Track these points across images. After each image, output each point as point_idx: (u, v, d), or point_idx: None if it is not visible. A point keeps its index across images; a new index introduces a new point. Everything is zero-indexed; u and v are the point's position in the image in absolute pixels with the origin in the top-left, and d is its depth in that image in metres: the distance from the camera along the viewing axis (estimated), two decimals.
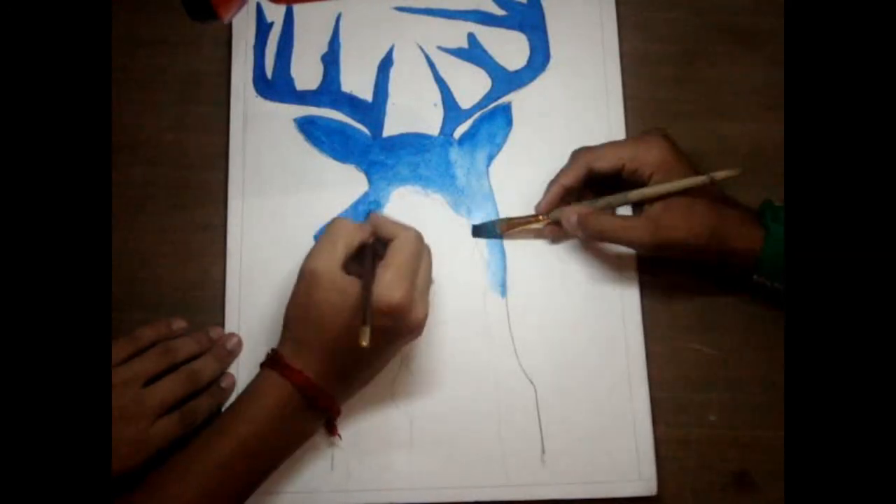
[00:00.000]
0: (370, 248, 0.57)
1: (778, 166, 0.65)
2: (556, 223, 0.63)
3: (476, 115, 0.68)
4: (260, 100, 0.68)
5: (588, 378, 0.62)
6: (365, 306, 0.52)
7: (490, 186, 0.66)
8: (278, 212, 0.65)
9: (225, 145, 0.67)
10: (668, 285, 0.64)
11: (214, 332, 0.62)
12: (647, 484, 0.60)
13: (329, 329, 0.54)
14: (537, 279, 0.64)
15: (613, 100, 0.67)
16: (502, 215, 0.65)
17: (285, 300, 0.63)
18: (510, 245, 0.65)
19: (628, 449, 0.61)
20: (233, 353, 0.62)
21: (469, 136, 0.67)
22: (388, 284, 0.53)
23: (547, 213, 0.63)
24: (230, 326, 0.63)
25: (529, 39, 0.69)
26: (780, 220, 0.58)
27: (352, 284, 0.54)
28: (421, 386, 0.62)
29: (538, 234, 0.65)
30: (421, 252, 0.56)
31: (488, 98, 0.68)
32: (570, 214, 0.61)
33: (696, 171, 0.60)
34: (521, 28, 0.69)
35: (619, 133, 0.67)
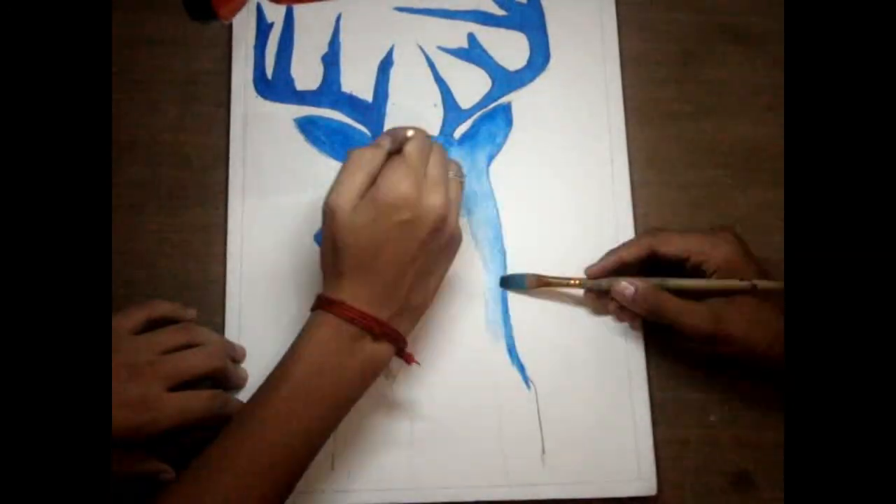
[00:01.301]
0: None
1: (778, 166, 0.66)
2: (594, 291, 0.62)
3: (476, 115, 0.68)
4: (260, 100, 0.68)
5: (588, 378, 0.62)
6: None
7: (490, 186, 0.66)
8: (278, 212, 0.65)
9: (225, 145, 0.67)
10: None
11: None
12: (647, 484, 0.60)
13: (360, 251, 0.54)
14: None
15: (613, 100, 0.67)
16: (503, 216, 0.65)
17: (286, 300, 0.63)
18: (510, 245, 0.65)
19: (628, 449, 0.61)
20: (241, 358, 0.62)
21: (469, 136, 0.67)
22: (394, 179, 0.53)
23: (594, 278, 0.62)
24: (230, 326, 0.63)
25: (529, 39, 0.69)
26: None
27: (369, 197, 0.54)
28: (421, 386, 0.62)
29: (568, 299, 0.64)
30: (426, 147, 0.55)
31: (488, 98, 0.68)
32: (627, 286, 0.59)
33: (765, 274, 0.58)
34: (521, 28, 0.69)
35: (619, 133, 0.67)
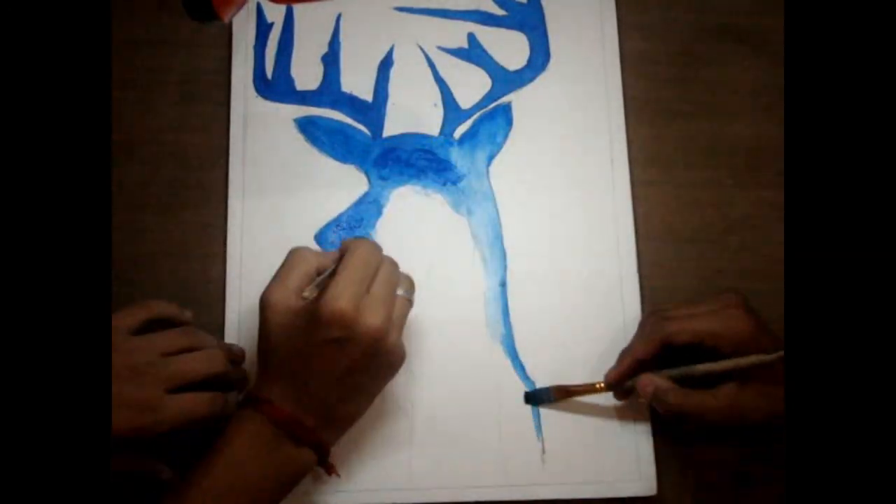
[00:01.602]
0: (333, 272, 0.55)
1: (778, 166, 0.66)
2: (619, 391, 0.60)
3: (476, 115, 0.68)
4: (260, 100, 0.68)
5: (588, 378, 0.62)
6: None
7: (490, 186, 0.66)
8: (278, 212, 0.65)
9: (225, 145, 0.67)
10: (668, 286, 0.64)
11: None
12: (647, 484, 0.60)
13: (291, 355, 0.53)
14: (538, 278, 0.64)
15: (613, 100, 0.67)
16: (503, 216, 0.65)
17: None
18: (511, 245, 0.65)
19: (628, 449, 0.61)
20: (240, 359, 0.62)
21: (469, 136, 0.67)
22: (333, 293, 0.51)
23: (615, 382, 0.60)
24: (230, 326, 0.63)
25: (529, 39, 0.69)
26: None
27: (303, 306, 0.53)
28: (421, 386, 0.62)
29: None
30: (373, 261, 0.54)
31: (488, 98, 0.68)
32: (647, 385, 0.58)
33: (780, 341, 0.56)
34: (521, 28, 0.69)
35: (619, 132, 0.67)
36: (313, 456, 0.55)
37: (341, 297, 0.51)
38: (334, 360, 0.53)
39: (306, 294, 0.54)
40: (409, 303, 0.56)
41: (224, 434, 0.54)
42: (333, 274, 0.53)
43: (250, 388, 0.56)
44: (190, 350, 0.58)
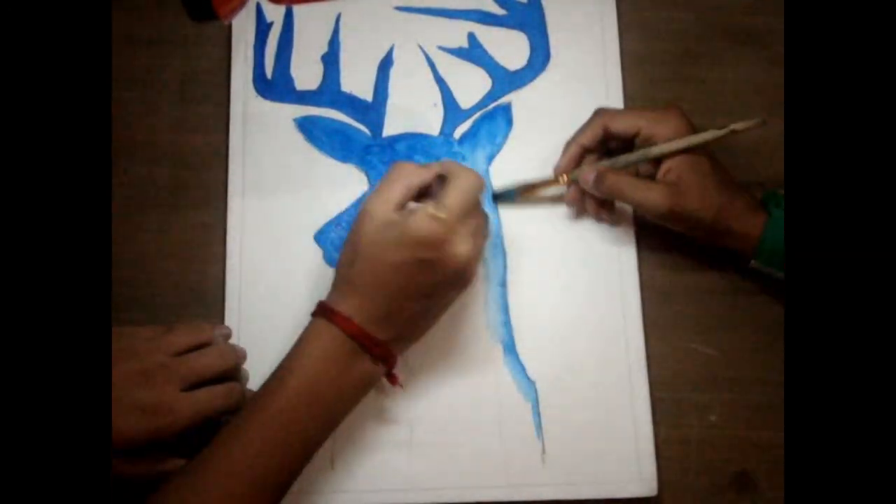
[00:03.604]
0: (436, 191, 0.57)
1: (778, 165, 0.66)
2: (576, 185, 0.63)
3: (476, 115, 0.68)
4: (260, 100, 0.68)
5: (588, 378, 0.62)
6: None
7: (491, 186, 0.66)
8: (278, 212, 0.65)
9: (225, 145, 0.67)
10: (668, 285, 0.64)
11: (227, 331, 0.62)
12: (647, 484, 0.60)
13: (376, 266, 0.54)
14: (538, 278, 0.64)
15: (613, 100, 0.67)
16: (503, 216, 0.65)
17: (285, 300, 0.63)
18: (511, 245, 0.65)
19: (628, 449, 0.61)
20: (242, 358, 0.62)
21: (469, 136, 0.67)
22: (430, 214, 0.53)
23: (565, 173, 0.63)
24: (230, 326, 0.63)
25: (530, 39, 0.69)
26: (782, 206, 0.59)
27: (399, 217, 0.54)
28: (421, 386, 0.62)
29: (556, 201, 0.65)
30: (477, 191, 0.56)
31: (488, 98, 0.68)
32: (589, 172, 0.61)
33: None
34: (521, 28, 0.69)
35: None
36: (382, 368, 0.56)
37: (436, 220, 0.53)
38: (420, 278, 0.54)
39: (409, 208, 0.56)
40: (488, 235, 0.59)
41: (299, 345, 0.55)
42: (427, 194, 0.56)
43: (322, 300, 0.56)
44: (200, 347, 0.58)
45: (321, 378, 0.54)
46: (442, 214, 0.53)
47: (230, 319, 0.63)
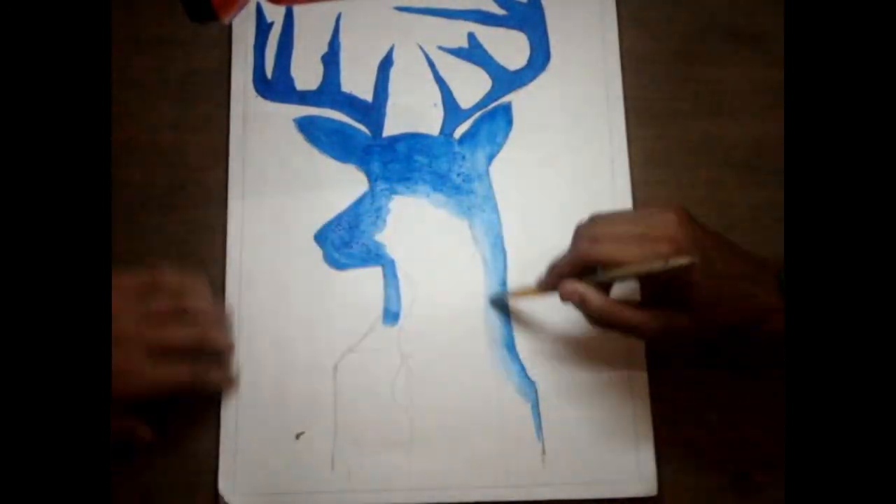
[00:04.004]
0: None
1: (778, 166, 0.66)
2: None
3: (476, 115, 0.67)
4: (260, 100, 0.68)
5: (588, 378, 0.62)
6: None
7: (491, 186, 0.66)
8: (278, 212, 0.65)
9: (225, 145, 0.67)
10: None
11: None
12: (647, 484, 0.60)
13: None
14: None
15: (613, 99, 0.67)
16: (503, 216, 0.65)
17: (285, 300, 0.63)
18: (511, 245, 0.65)
19: (628, 449, 0.61)
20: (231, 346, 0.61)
21: (469, 136, 0.67)
22: None
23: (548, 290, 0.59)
24: (231, 325, 0.63)
25: (530, 39, 0.69)
26: None
27: None
28: (421, 386, 0.62)
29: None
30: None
31: (488, 98, 0.68)
32: (571, 293, 0.56)
33: (722, 243, 0.55)
34: (521, 28, 0.69)
35: (619, 132, 0.66)
36: None
37: None
38: None
39: None
40: None
41: None
42: None
43: None
44: (182, 314, 0.57)
45: None
46: None
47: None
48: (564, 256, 0.58)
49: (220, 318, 0.61)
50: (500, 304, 0.63)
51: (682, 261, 0.52)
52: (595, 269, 0.56)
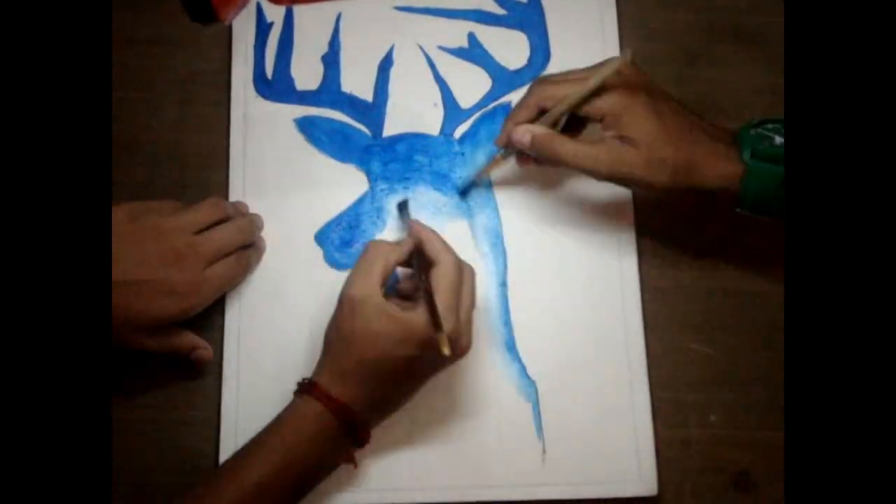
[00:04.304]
0: (417, 262, 0.57)
1: None
2: (520, 153, 0.61)
3: (476, 115, 0.68)
4: (260, 100, 0.68)
5: (588, 378, 0.62)
6: (433, 314, 0.52)
7: (491, 186, 0.66)
8: (278, 212, 0.65)
9: (225, 145, 0.67)
10: (668, 285, 0.64)
11: (243, 207, 0.65)
12: (647, 484, 0.60)
13: (371, 357, 0.54)
14: (538, 278, 0.64)
15: None
16: (504, 216, 0.65)
17: (285, 300, 0.63)
18: (511, 245, 0.65)
19: (628, 449, 0.61)
20: (259, 228, 0.64)
21: (469, 136, 0.67)
22: (425, 315, 0.53)
23: (505, 146, 0.61)
24: (230, 326, 0.63)
25: (530, 39, 0.69)
26: (759, 153, 0.53)
27: (396, 311, 0.54)
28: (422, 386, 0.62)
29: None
30: (461, 280, 0.55)
31: (489, 97, 0.68)
32: (524, 133, 0.58)
33: (670, 97, 0.57)
34: (521, 27, 0.69)
35: None
36: (355, 447, 0.57)
37: (443, 321, 0.53)
38: (420, 369, 0.55)
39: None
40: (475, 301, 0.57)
41: (284, 422, 0.55)
42: (421, 268, 0.56)
43: (315, 381, 0.55)
44: (219, 222, 0.61)
45: (306, 456, 0.54)
46: (444, 314, 0.53)
47: (230, 319, 0.63)
48: (516, 107, 0.60)
49: (245, 213, 0.64)
50: (469, 191, 0.65)
51: (614, 62, 0.55)
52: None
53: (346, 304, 0.55)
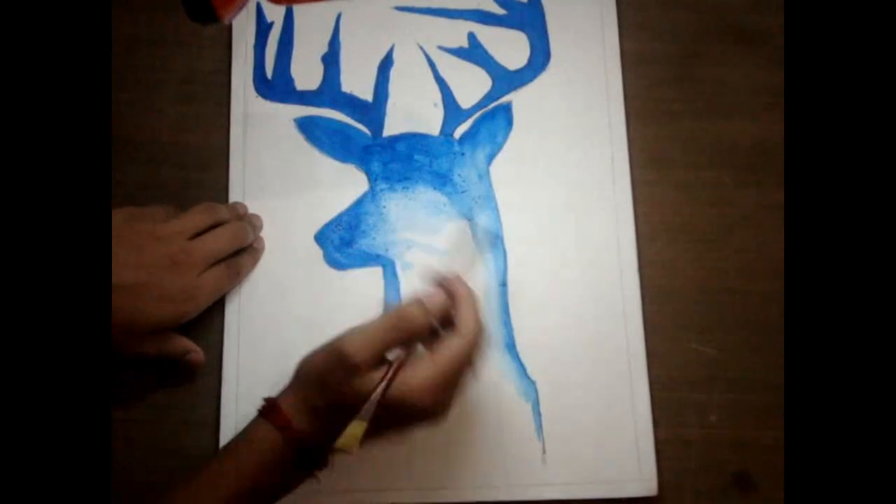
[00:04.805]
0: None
1: (778, 166, 0.66)
2: None
3: (476, 115, 0.67)
4: (260, 100, 0.68)
5: (588, 378, 0.62)
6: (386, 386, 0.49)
7: (491, 186, 0.66)
8: (279, 212, 0.65)
9: (225, 145, 0.67)
10: (668, 286, 0.64)
11: (242, 209, 0.65)
12: (647, 484, 0.60)
13: (344, 406, 0.50)
14: (538, 279, 0.64)
15: (614, 99, 0.67)
16: (503, 216, 0.65)
17: (285, 300, 0.63)
18: (511, 245, 0.65)
19: (629, 449, 0.61)
20: (257, 229, 0.64)
21: (470, 136, 0.67)
22: (420, 387, 0.50)
23: None
24: (230, 327, 0.63)
25: (530, 39, 0.69)
26: None
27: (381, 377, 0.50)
28: None
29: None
30: (470, 353, 0.51)
31: (489, 98, 0.68)
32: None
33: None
34: (521, 27, 0.69)
35: (619, 132, 0.66)
36: (315, 469, 0.55)
37: (426, 396, 0.50)
38: (403, 429, 0.53)
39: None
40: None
41: (247, 441, 0.54)
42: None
43: (274, 398, 0.54)
44: (216, 225, 0.61)
45: (262, 481, 0.52)
46: (434, 392, 0.50)
47: (230, 319, 0.63)
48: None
49: (241, 217, 0.64)
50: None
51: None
52: None
53: (335, 355, 0.51)
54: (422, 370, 0.50)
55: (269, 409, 0.53)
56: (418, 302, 0.52)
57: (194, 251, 0.59)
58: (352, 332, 0.52)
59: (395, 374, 0.50)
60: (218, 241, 0.60)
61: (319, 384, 0.52)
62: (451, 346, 0.51)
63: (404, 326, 0.51)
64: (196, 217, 0.60)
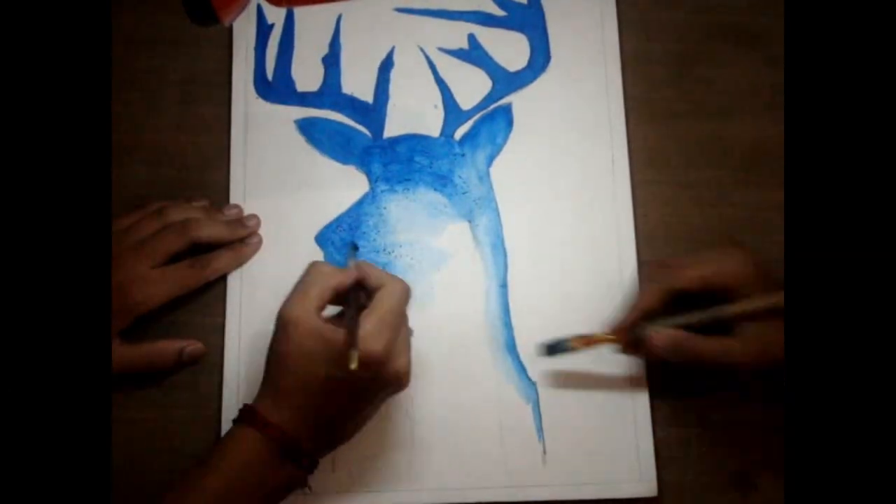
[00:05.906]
0: (353, 295, 0.55)
1: (778, 166, 0.66)
2: (628, 345, 0.59)
3: (477, 116, 0.68)
4: (261, 101, 0.68)
5: (589, 378, 0.62)
6: (352, 330, 0.51)
7: (491, 187, 0.66)
8: (279, 213, 0.65)
9: (226, 146, 0.67)
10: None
11: (230, 212, 0.65)
12: (647, 484, 0.60)
13: (307, 379, 0.52)
14: (538, 279, 0.64)
15: (614, 100, 0.67)
16: (504, 217, 0.65)
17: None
18: (511, 246, 0.65)
19: (629, 449, 0.61)
20: (247, 228, 0.64)
21: (470, 137, 0.67)
22: (370, 333, 0.51)
23: (623, 332, 0.59)
24: (231, 328, 0.63)
25: (530, 40, 0.69)
26: None
27: (329, 331, 0.52)
28: (422, 387, 0.62)
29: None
30: (405, 304, 0.54)
31: (489, 99, 0.68)
32: (660, 339, 0.57)
33: (779, 281, 0.53)
34: (521, 28, 0.69)
35: (620, 133, 0.67)
36: (304, 474, 0.55)
37: (378, 340, 0.51)
38: (355, 395, 0.53)
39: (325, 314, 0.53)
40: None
41: (223, 447, 0.54)
42: (357, 304, 0.54)
43: (251, 406, 0.54)
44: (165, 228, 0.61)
45: (243, 482, 0.52)
46: (381, 332, 0.51)
47: (231, 322, 0.63)
48: (642, 292, 0.59)
49: (211, 215, 0.64)
50: (557, 350, 0.60)
51: (778, 296, 0.54)
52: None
53: (280, 325, 0.53)
54: (364, 321, 0.52)
55: (245, 413, 0.54)
56: (323, 262, 0.56)
57: (141, 248, 0.59)
58: (286, 299, 0.54)
59: (357, 306, 0.53)
60: (166, 238, 0.60)
61: (279, 364, 0.53)
62: (380, 297, 0.53)
63: (327, 280, 0.54)
64: (146, 222, 0.61)
